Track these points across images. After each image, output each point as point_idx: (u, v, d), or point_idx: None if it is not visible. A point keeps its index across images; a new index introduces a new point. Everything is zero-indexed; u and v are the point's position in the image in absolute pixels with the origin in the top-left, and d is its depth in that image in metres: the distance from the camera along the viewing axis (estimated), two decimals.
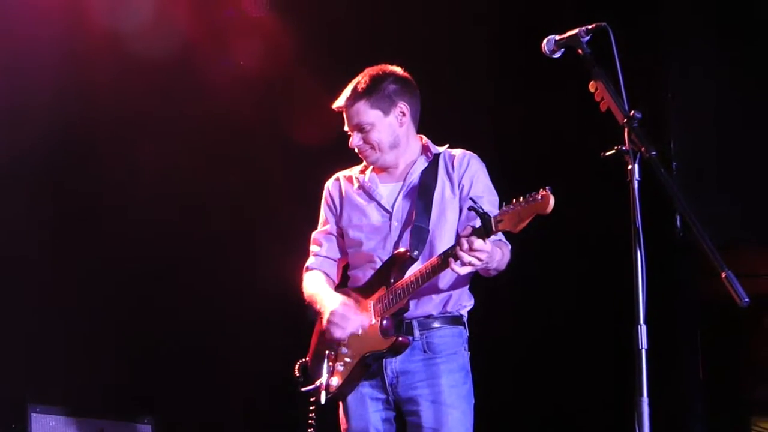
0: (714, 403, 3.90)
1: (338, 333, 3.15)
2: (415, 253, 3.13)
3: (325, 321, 3.18)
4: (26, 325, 4.58)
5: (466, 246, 2.84)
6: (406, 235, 3.18)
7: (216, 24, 4.94)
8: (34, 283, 4.67)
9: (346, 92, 3.27)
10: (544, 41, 2.67)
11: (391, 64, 3.32)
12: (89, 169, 4.88)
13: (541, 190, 2.74)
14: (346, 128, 3.30)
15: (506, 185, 2.89)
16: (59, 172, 4.84)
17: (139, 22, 4.72)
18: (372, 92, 3.23)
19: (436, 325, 3.17)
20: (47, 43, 4.69)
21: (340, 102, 3.28)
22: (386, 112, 3.24)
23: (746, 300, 2.19)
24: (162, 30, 4.73)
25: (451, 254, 2.91)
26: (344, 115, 3.29)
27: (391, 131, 3.25)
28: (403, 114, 3.26)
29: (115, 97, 4.80)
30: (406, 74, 3.31)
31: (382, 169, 3.34)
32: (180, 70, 4.83)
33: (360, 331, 3.15)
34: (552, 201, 2.71)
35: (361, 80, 3.26)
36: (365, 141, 3.25)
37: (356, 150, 3.30)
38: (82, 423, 4.20)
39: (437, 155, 3.30)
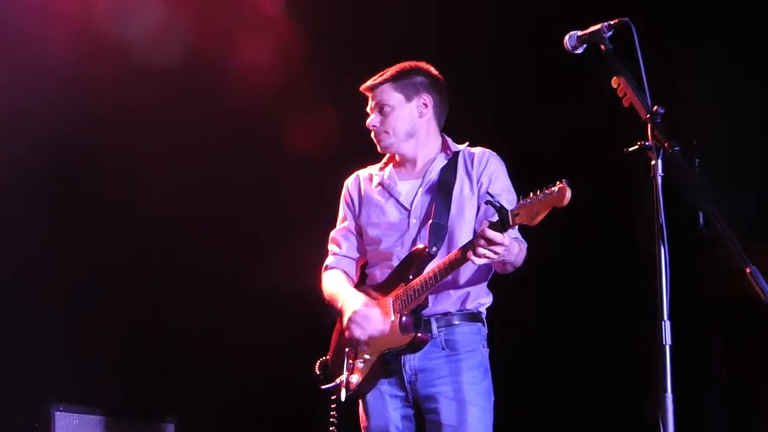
0: (737, 400, 3.89)
1: (358, 332, 3.15)
2: (434, 249, 3.13)
3: (346, 320, 3.18)
4: (48, 324, 4.60)
5: (483, 240, 2.84)
6: (425, 232, 3.18)
7: (229, 22, 4.94)
8: (53, 283, 4.68)
9: (375, 76, 3.30)
10: (566, 37, 2.66)
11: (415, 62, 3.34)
12: (97, 169, 4.88)
13: (558, 182, 2.74)
14: (368, 109, 3.32)
15: (527, 185, 2.88)
16: (66, 173, 4.84)
17: (149, 22, 4.71)
18: (399, 78, 3.27)
19: (455, 322, 3.16)
20: (54, 46, 4.68)
21: (367, 83, 3.31)
22: (409, 99, 3.26)
23: None
24: (173, 29, 4.72)
25: (469, 248, 2.92)
26: (368, 96, 3.32)
27: (409, 119, 3.27)
28: (426, 105, 3.28)
29: (122, 99, 4.79)
30: (438, 74, 3.34)
31: (400, 164, 3.35)
32: (190, 72, 4.83)
33: (379, 335, 3.15)
34: (569, 193, 2.71)
35: (392, 68, 3.31)
36: (382, 123, 3.27)
37: (372, 133, 3.31)
38: (105, 422, 4.21)
39: (456, 153, 3.30)
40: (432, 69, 3.33)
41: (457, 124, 3.41)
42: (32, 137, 4.59)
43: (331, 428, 3.26)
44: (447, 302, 3.17)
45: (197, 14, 4.81)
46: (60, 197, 4.80)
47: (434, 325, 3.15)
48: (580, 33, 2.64)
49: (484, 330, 3.22)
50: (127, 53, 4.74)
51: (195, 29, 4.80)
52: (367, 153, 3.41)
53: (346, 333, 3.19)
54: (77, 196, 4.84)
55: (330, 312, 3.36)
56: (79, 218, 4.81)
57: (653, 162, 2.35)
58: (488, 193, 2.93)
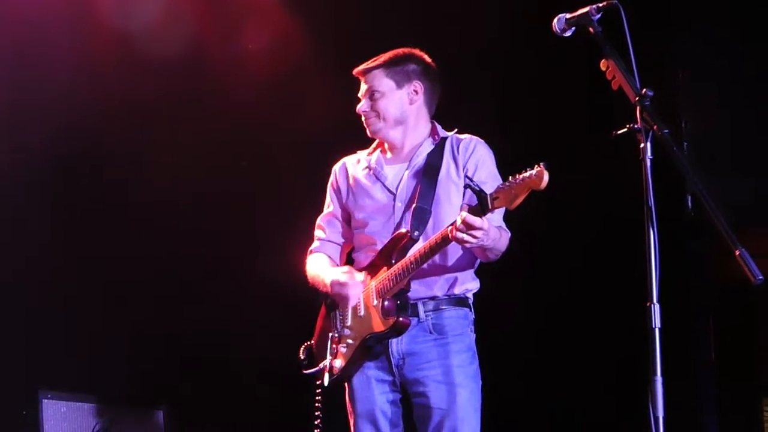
0: (725, 383, 3.91)
1: (336, 289, 3.17)
2: (416, 233, 3.13)
3: (329, 284, 3.19)
4: (38, 312, 4.58)
5: (461, 224, 2.85)
6: (408, 216, 3.18)
7: (225, 8, 4.91)
8: (47, 273, 4.66)
9: (369, 61, 3.31)
10: (555, 20, 2.65)
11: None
12: (98, 167, 4.86)
13: (536, 165, 2.74)
14: (359, 94, 3.33)
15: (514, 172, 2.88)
16: (66, 171, 4.82)
17: (151, 13, 4.68)
18: (391, 65, 3.29)
19: (443, 306, 3.17)
20: (56, 37, 4.66)
21: (359, 68, 3.33)
22: (399, 85, 3.28)
23: (760, 278, 2.19)
24: (171, 17, 4.70)
25: (448, 231, 2.92)
26: (361, 80, 3.33)
27: (399, 105, 3.27)
28: (416, 93, 3.29)
29: (123, 97, 4.78)
30: (431, 62, 3.34)
31: (388, 149, 3.35)
32: (188, 61, 4.80)
33: (362, 312, 3.15)
34: (546, 176, 2.71)
35: (386, 54, 3.31)
36: (372, 108, 3.28)
37: (362, 117, 3.32)
38: (94, 409, 4.21)
39: (444, 138, 3.30)
40: (425, 56, 3.33)
41: (447, 113, 3.40)
42: (32, 135, 4.58)
43: (316, 413, 3.27)
44: (434, 287, 3.17)
45: (199, 4, 4.80)
46: (60, 195, 4.79)
47: (421, 310, 3.15)
48: (568, 16, 2.63)
49: (471, 315, 3.23)
50: (130, 45, 4.72)
51: (197, 19, 4.78)
52: (370, 143, 3.41)
53: (332, 292, 3.19)
54: (78, 194, 4.83)
55: (318, 297, 3.36)
56: (80, 215, 4.80)
57: (642, 145, 2.34)
58: (467, 177, 2.95)
